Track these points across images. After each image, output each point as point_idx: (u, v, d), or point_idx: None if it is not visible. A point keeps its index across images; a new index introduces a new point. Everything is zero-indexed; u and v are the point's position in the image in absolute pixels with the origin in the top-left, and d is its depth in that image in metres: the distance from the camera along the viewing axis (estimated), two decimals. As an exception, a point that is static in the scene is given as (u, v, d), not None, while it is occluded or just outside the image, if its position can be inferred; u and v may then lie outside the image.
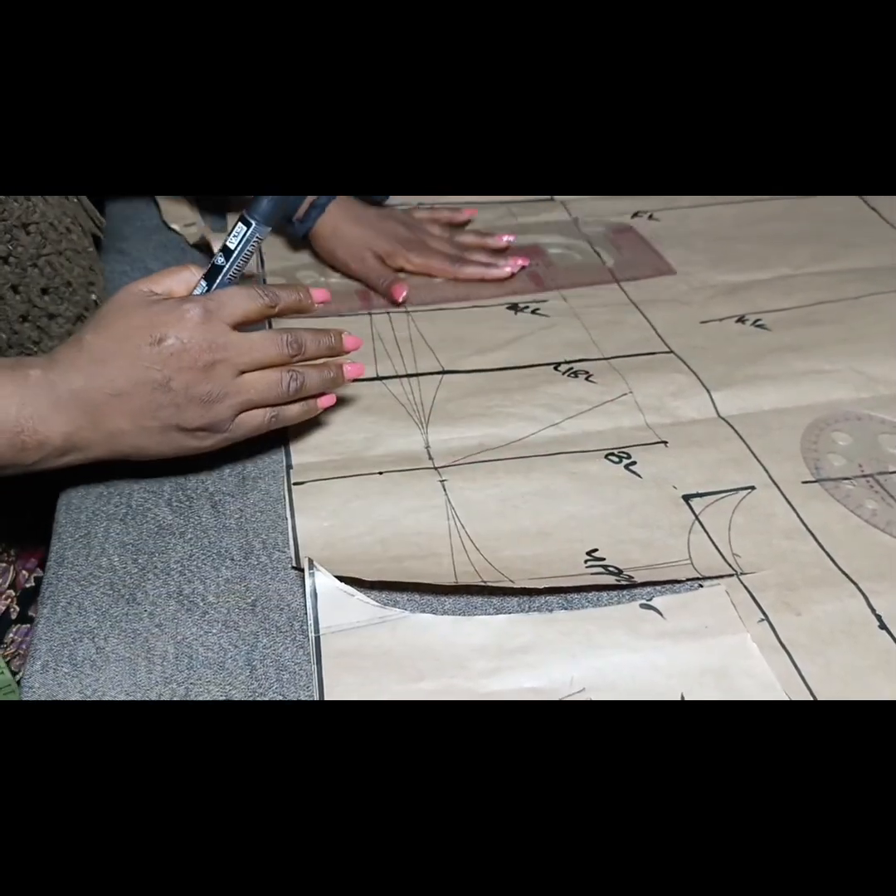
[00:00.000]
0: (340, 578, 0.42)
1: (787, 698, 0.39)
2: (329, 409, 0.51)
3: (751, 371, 0.57)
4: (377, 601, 0.42)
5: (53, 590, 0.43)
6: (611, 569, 0.44)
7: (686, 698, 0.39)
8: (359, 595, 0.42)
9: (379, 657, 0.40)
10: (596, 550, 0.45)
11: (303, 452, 0.50)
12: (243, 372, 0.45)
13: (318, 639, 0.41)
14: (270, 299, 0.46)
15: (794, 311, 0.63)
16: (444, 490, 0.48)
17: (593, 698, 0.39)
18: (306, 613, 0.42)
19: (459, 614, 0.42)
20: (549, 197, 0.76)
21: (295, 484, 0.48)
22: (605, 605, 0.43)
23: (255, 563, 0.45)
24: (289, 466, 0.49)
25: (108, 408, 0.43)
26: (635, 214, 0.74)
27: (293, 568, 0.44)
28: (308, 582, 0.42)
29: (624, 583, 0.43)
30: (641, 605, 0.43)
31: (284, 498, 0.48)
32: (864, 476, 0.50)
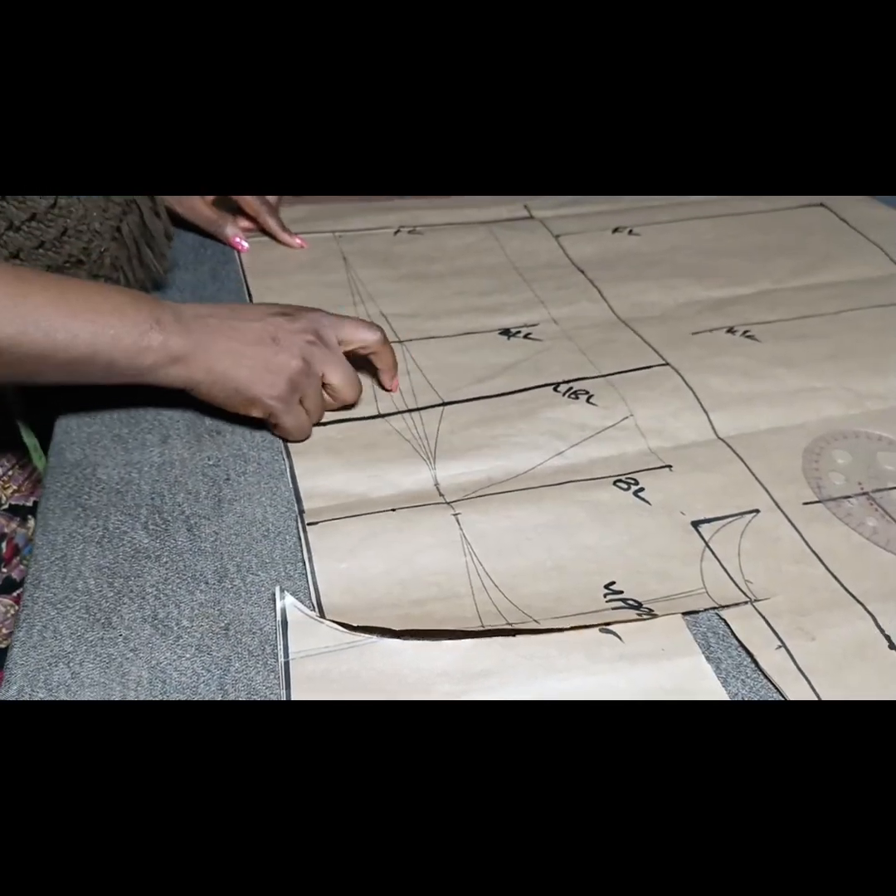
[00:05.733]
0: (366, 628, 0.42)
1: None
2: (336, 451, 0.51)
3: (745, 388, 0.58)
4: (346, 627, 0.43)
5: (29, 612, 0.43)
6: (630, 602, 0.45)
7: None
8: (327, 621, 0.43)
9: (346, 681, 0.41)
10: (613, 583, 0.46)
11: (311, 498, 0.50)
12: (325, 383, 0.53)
13: (287, 664, 0.41)
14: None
15: (780, 323, 0.64)
16: (459, 524, 0.48)
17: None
18: (276, 639, 0.42)
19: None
20: (527, 215, 0.76)
21: (309, 524, 0.48)
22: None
23: (230, 586, 0.45)
24: (301, 510, 0.49)
25: (221, 333, 0.50)
26: (615, 230, 0.75)
27: (303, 611, 0.44)
28: (278, 608, 0.43)
29: (645, 616, 0.44)
30: (601, 630, 0.43)
31: (300, 540, 0.47)
32: (864, 494, 0.51)
